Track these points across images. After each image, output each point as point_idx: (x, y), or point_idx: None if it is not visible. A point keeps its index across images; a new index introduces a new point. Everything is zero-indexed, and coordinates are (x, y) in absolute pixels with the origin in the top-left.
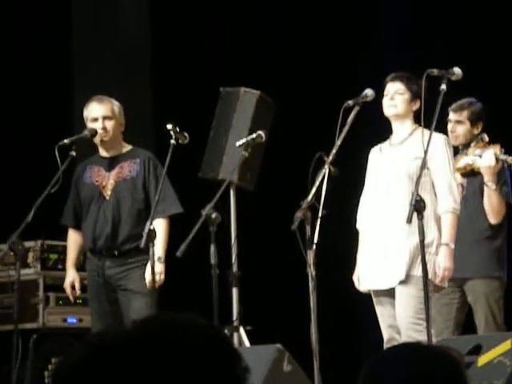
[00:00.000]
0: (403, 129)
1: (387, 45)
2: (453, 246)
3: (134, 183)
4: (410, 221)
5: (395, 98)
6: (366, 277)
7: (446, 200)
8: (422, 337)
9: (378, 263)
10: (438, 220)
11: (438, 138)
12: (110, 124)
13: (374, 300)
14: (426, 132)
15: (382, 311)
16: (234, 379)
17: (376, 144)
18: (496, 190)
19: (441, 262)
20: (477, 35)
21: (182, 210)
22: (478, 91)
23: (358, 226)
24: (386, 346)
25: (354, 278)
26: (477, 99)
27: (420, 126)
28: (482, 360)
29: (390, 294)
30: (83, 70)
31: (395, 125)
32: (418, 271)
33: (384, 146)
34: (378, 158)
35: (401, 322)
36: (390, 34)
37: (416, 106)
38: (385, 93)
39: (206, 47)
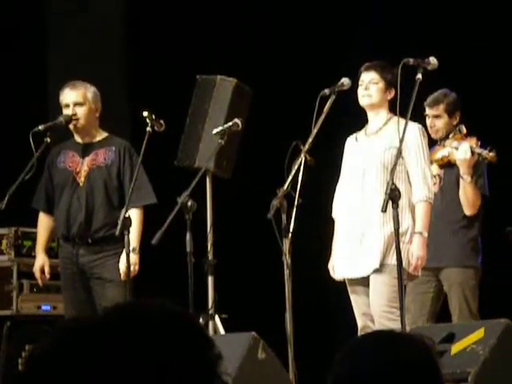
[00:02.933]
0: (378, 118)
1: (366, 37)
2: (426, 234)
3: (108, 171)
4: (384, 210)
5: (369, 87)
6: (340, 265)
7: (420, 189)
8: (395, 325)
9: (352, 252)
10: (412, 209)
11: (413, 127)
12: (81, 110)
13: (349, 288)
14: (402, 121)
15: (356, 299)
16: (206, 365)
17: (352, 133)
18: (471, 183)
19: (414, 251)
20: (449, 23)
21: (155, 200)
22: (453, 80)
23: (334, 214)
24: (359, 333)
25: (329, 266)
26: (450, 89)
27: (395, 115)
28: (455, 348)
29: (365, 282)
30: (57, 57)
31: (370, 114)
32: (392, 260)
33: (360, 135)
34: (354, 147)
35: (374, 310)
36: (368, 29)
37: (391, 95)
38: (359, 82)
39: (182, 33)
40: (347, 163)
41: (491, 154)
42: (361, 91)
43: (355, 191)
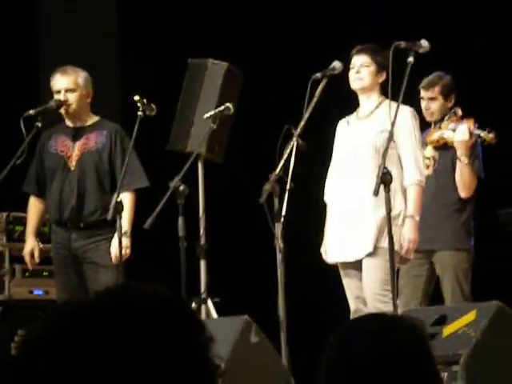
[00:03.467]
0: (370, 101)
1: (359, 20)
2: (418, 218)
3: (100, 155)
4: (376, 193)
5: (361, 70)
6: (333, 249)
7: (411, 172)
8: (388, 308)
9: (345, 235)
10: (404, 192)
11: (404, 110)
12: (72, 96)
13: (341, 272)
14: (393, 104)
15: (348, 283)
16: (198, 349)
17: (344, 117)
18: (468, 165)
19: (406, 234)
20: (449, 22)
21: (148, 184)
22: (448, 64)
23: (326, 198)
24: (352, 317)
25: (322, 250)
26: (444, 72)
27: (387, 98)
28: (447, 330)
29: (357, 265)
30: (49, 41)
31: (362, 98)
32: (385, 243)
33: (351, 118)
34: (346, 130)
35: (367, 293)
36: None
37: (382, 78)
38: (350, 66)
39: (173, 17)
40: (339, 147)
41: (490, 135)
42: (352, 74)
43: (347, 175)
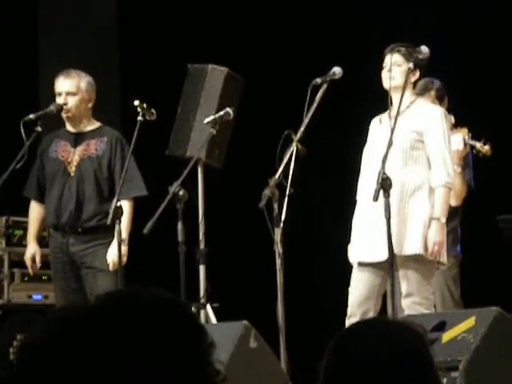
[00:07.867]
0: (402, 100)
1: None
2: (444, 220)
3: (99, 162)
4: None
5: (393, 69)
6: (358, 248)
7: (438, 174)
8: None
9: (372, 235)
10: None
11: (435, 110)
12: (72, 100)
13: (358, 273)
14: (425, 104)
15: (361, 285)
16: (199, 353)
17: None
18: (460, 174)
19: (431, 237)
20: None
21: (146, 192)
22: (442, 72)
23: (357, 197)
24: (346, 321)
25: (349, 248)
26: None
27: (419, 97)
28: (447, 336)
29: (379, 266)
30: (49, 45)
31: (394, 97)
32: (414, 248)
33: (384, 116)
34: (377, 128)
35: (404, 301)
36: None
37: (415, 76)
38: (383, 65)
39: (173, 22)
40: (370, 145)
41: (486, 147)
42: (384, 73)
43: (375, 174)
